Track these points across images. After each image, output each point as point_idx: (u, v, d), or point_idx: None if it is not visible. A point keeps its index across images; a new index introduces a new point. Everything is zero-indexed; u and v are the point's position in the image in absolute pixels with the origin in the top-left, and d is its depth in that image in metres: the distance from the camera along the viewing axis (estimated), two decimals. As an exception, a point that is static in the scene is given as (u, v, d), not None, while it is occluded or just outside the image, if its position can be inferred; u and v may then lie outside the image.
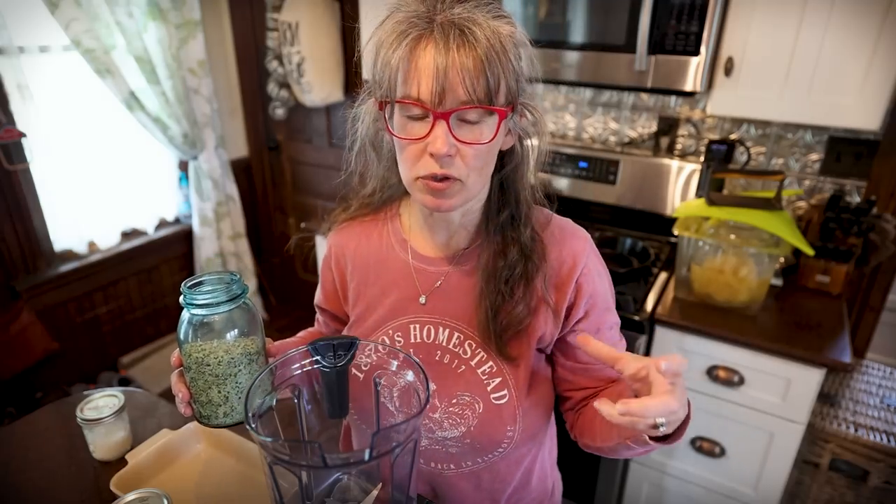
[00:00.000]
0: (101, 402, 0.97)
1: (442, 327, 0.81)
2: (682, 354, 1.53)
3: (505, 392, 0.78)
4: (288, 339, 0.92)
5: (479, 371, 0.79)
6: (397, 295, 0.84)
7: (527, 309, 0.77)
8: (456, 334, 0.80)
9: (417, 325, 0.82)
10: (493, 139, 0.67)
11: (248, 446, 0.95)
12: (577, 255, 0.79)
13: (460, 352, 0.80)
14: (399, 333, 0.83)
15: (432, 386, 0.80)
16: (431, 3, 0.65)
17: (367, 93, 0.77)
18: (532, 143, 0.76)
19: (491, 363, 0.78)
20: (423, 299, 0.82)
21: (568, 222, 0.84)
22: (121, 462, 0.94)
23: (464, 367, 0.79)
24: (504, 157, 0.76)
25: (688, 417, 0.63)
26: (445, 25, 0.62)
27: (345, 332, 0.90)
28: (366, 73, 0.74)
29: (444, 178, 0.68)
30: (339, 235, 0.91)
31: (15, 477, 0.94)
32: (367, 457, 0.55)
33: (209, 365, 0.67)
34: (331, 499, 0.70)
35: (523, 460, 0.87)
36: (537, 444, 0.89)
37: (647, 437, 0.63)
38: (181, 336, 0.68)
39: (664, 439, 0.64)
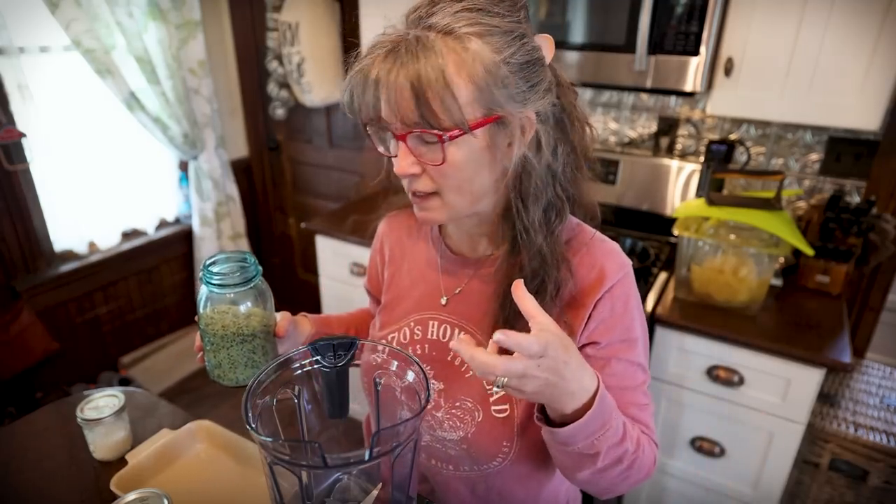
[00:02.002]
0: (102, 402, 0.97)
1: (458, 329, 0.82)
2: (682, 354, 1.54)
3: (506, 407, 0.77)
4: (332, 315, 0.98)
5: (484, 380, 0.78)
6: (423, 290, 0.86)
7: None
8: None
9: (436, 323, 0.84)
10: (443, 162, 0.65)
11: (248, 446, 0.95)
12: (605, 276, 0.75)
13: None
14: (419, 327, 0.85)
15: (439, 384, 0.81)
16: (415, 17, 0.65)
17: None
18: (536, 169, 0.71)
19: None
20: (443, 300, 0.84)
21: (610, 245, 0.79)
22: (121, 462, 0.94)
23: (471, 372, 0.79)
24: (514, 170, 0.72)
25: (582, 412, 0.62)
26: (399, 49, 0.61)
27: (376, 316, 0.93)
28: None
29: (423, 193, 0.70)
30: (387, 224, 0.95)
31: (15, 477, 0.94)
32: (367, 457, 0.55)
33: (208, 334, 0.74)
34: (331, 499, 0.70)
35: (525, 480, 0.84)
36: (540, 468, 0.85)
37: (536, 414, 0.66)
38: (198, 303, 0.75)
39: (561, 425, 0.63)
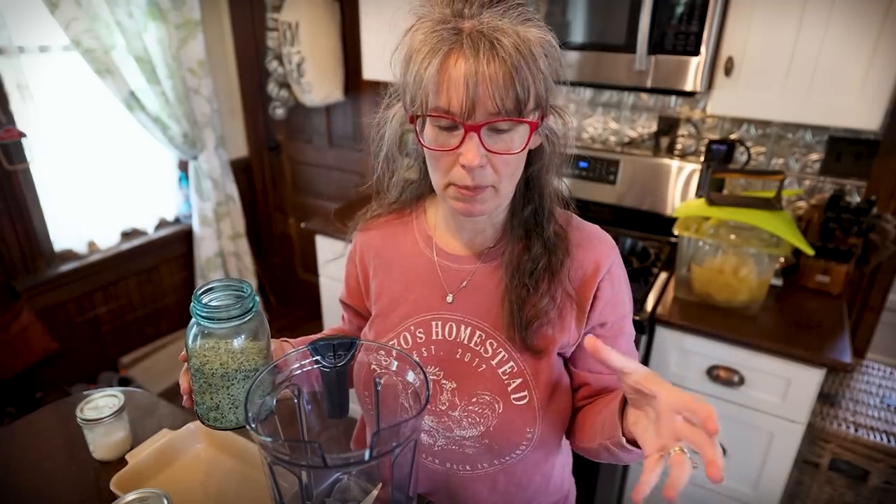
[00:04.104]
0: (101, 402, 0.97)
1: (464, 325, 0.81)
2: (682, 354, 1.54)
3: (525, 393, 0.78)
4: (312, 337, 0.94)
5: (499, 371, 0.79)
6: (421, 292, 0.84)
7: (552, 302, 0.78)
8: (478, 333, 0.80)
9: (439, 322, 0.82)
10: (523, 148, 0.68)
11: (248, 446, 0.95)
12: (601, 259, 0.79)
13: (481, 350, 0.80)
14: (420, 330, 0.83)
15: (451, 384, 0.81)
16: (458, 8, 0.65)
17: (394, 97, 0.77)
18: (558, 142, 0.77)
19: (512, 363, 0.79)
20: (450, 298, 0.82)
21: (594, 227, 0.84)
22: (121, 462, 0.94)
23: (484, 365, 0.80)
24: (531, 155, 0.77)
25: None
26: (474, 36, 0.63)
27: (367, 327, 0.91)
28: (391, 77, 0.74)
29: (476, 186, 0.69)
30: (361, 237, 0.92)
31: (15, 477, 0.94)
32: (367, 457, 0.55)
33: (205, 374, 0.68)
34: (331, 499, 0.70)
35: (541, 465, 0.87)
36: (555, 449, 0.89)
37: (625, 442, 0.65)
38: (187, 338, 0.69)
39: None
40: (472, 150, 0.65)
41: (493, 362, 0.79)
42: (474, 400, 0.79)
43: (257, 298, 0.70)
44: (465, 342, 0.81)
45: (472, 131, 0.65)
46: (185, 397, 0.73)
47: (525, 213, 0.79)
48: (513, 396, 0.78)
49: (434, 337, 0.82)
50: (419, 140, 0.71)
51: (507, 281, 0.79)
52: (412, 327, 0.84)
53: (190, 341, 0.68)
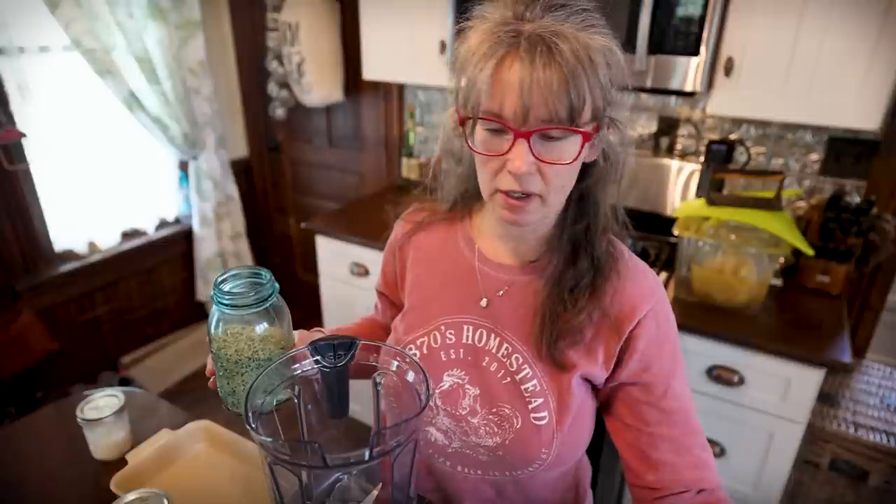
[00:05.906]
0: (101, 402, 0.97)
1: (494, 335, 0.80)
2: (682, 354, 1.54)
3: (545, 414, 0.77)
4: (343, 327, 0.96)
5: (522, 387, 0.78)
6: (457, 292, 0.83)
7: (588, 319, 0.75)
8: (505, 345, 0.79)
9: (471, 327, 0.82)
10: (574, 160, 0.66)
11: (248, 446, 0.95)
12: (641, 299, 0.75)
13: (507, 363, 0.79)
14: (451, 331, 0.82)
15: (475, 390, 0.80)
16: (520, 10, 0.64)
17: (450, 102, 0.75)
18: (615, 157, 0.74)
19: (535, 381, 0.77)
20: (484, 302, 0.81)
21: (641, 263, 0.81)
22: (121, 462, 0.94)
23: (508, 378, 0.79)
24: (585, 168, 0.73)
25: None
26: (533, 39, 0.61)
27: (398, 320, 0.90)
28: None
29: (524, 195, 0.67)
30: (407, 224, 0.92)
31: (15, 477, 0.94)
32: (367, 457, 0.55)
33: (222, 359, 0.70)
34: (331, 499, 0.70)
35: (554, 484, 0.86)
36: (569, 470, 0.88)
37: None
38: (209, 323, 0.71)
39: None
40: (522, 156, 0.64)
41: (518, 377, 0.78)
42: (495, 410, 0.78)
43: (277, 286, 0.70)
44: (493, 351, 0.80)
45: (522, 137, 0.63)
46: (210, 379, 0.75)
47: (576, 229, 0.76)
48: (533, 415, 0.77)
49: (464, 340, 0.82)
50: (468, 143, 0.69)
51: (544, 294, 0.77)
52: (443, 327, 0.83)
53: (211, 327, 0.70)
